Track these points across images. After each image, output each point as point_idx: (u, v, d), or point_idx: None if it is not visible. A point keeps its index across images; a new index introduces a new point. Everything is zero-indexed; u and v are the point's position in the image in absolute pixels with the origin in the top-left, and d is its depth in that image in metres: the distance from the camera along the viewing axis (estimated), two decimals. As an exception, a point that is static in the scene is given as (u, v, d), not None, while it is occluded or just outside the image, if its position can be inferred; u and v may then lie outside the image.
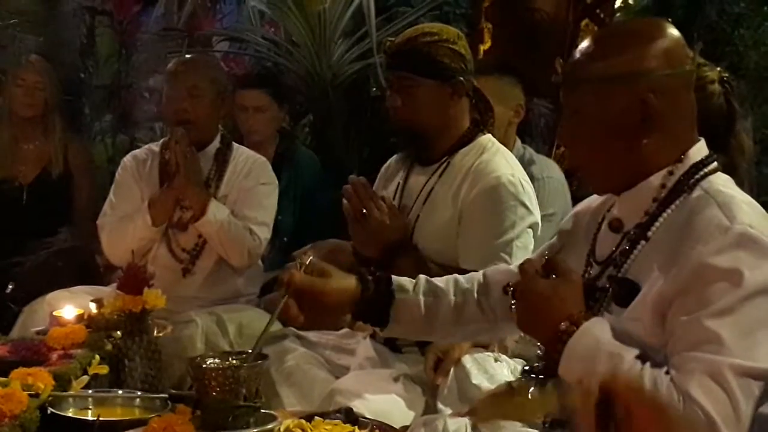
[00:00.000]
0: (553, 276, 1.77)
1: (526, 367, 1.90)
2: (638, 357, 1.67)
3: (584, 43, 1.84)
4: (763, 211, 1.75)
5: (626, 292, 1.76)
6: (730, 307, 1.62)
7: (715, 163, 1.79)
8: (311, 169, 4.26)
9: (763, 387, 1.64)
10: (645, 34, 1.79)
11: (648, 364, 1.66)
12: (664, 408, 1.61)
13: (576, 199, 3.74)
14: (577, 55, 1.83)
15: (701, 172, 1.77)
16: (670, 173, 1.78)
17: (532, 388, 1.86)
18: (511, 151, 3.09)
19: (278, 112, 4.27)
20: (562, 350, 1.71)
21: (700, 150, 1.80)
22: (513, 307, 1.81)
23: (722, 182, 1.77)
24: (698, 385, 1.60)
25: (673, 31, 1.80)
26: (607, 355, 1.68)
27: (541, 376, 1.85)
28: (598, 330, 1.71)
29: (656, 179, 1.78)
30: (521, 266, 1.81)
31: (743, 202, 1.72)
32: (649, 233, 1.77)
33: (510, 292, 1.81)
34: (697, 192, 1.75)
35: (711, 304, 1.63)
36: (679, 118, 1.78)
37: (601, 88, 1.77)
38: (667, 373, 1.64)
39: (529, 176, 2.82)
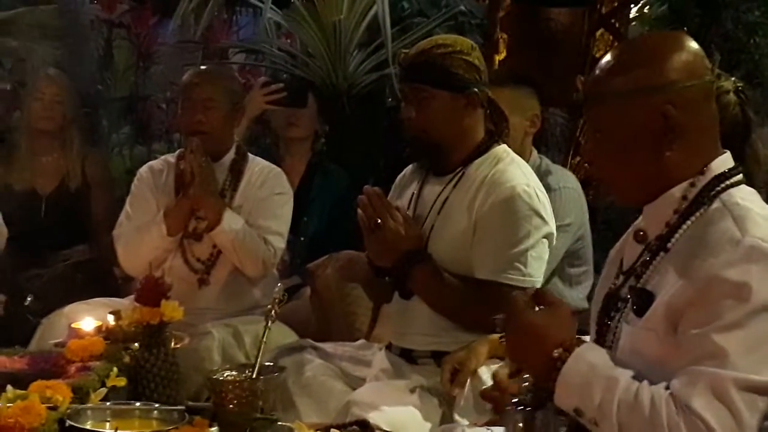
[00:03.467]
0: (542, 307, 1.79)
1: (514, 399, 1.90)
2: (634, 377, 1.68)
3: (604, 59, 1.85)
4: None
5: (643, 302, 1.76)
6: (738, 321, 1.62)
7: (740, 176, 1.79)
8: (343, 181, 4.27)
9: None
10: (664, 47, 1.80)
11: (645, 382, 1.67)
12: (663, 423, 1.61)
13: (592, 210, 3.75)
14: (597, 71, 1.84)
15: (723, 185, 1.77)
16: (692, 185, 1.78)
17: (520, 422, 1.86)
18: (528, 161, 3.09)
19: (316, 114, 4.30)
20: (557, 378, 1.72)
21: (724, 162, 1.80)
22: (503, 340, 1.82)
23: (743, 195, 1.76)
24: (699, 397, 1.60)
25: (692, 44, 1.81)
26: (603, 378, 1.68)
27: (529, 408, 1.85)
28: (591, 355, 1.73)
29: (678, 191, 1.78)
30: (510, 298, 1.83)
31: (759, 216, 1.71)
32: (669, 245, 1.77)
33: (500, 325, 1.82)
34: (716, 204, 1.75)
35: (719, 317, 1.63)
36: (700, 129, 1.78)
37: (621, 103, 1.77)
38: (668, 388, 1.64)
39: (545, 186, 2.82)
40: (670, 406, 1.62)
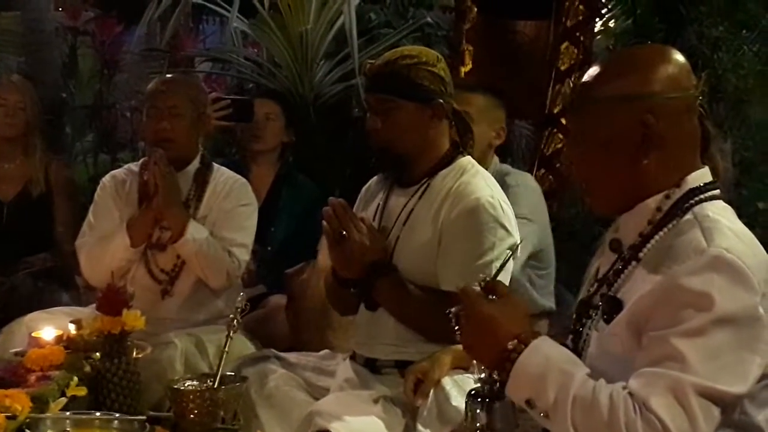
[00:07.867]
0: (494, 298, 1.80)
1: (472, 391, 1.91)
2: (591, 375, 1.70)
3: (593, 67, 1.90)
4: (755, 241, 1.76)
5: (612, 309, 1.79)
6: (699, 329, 1.64)
7: (717, 191, 1.82)
8: (310, 191, 4.26)
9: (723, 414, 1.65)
10: (650, 58, 1.84)
11: (602, 380, 1.68)
12: (620, 422, 1.62)
13: (556, 221, 3.77)
14: (586, 77, 1.88)
15: (697, 198, 1.79)
16: (667, 197, 1.80)
17: (478, 411, 1.86)
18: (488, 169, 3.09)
19: (284, 127, 4.28)
20: (510, 369, 1.73)
21: (701, 176, 1.82)
22: (458, 332, 1.82)
23: (714, 209, 1.78)
24: (658, 397, 1.62)
25: (679, 58, 1.85)
26: (559, 371, 1.70)
27: (488, 399, 1.86)
28: (547, 348, 1.74)
29: (653, 202, 1.81)
30: (462, 290, 1.83)
31: (728, 228, 1.73)
32: (641, 254, 1.79)
33: (453, 318, 1.82)
34: (687, 216, 1.77)
35: (680, 323, 1.65)
36: (679, 142, 1.81)
37: (604, 109, 1.81)
38: (625, 388, 1.66)
39: (503, 185, 2.83)
40: (628, 405, 1.63)
